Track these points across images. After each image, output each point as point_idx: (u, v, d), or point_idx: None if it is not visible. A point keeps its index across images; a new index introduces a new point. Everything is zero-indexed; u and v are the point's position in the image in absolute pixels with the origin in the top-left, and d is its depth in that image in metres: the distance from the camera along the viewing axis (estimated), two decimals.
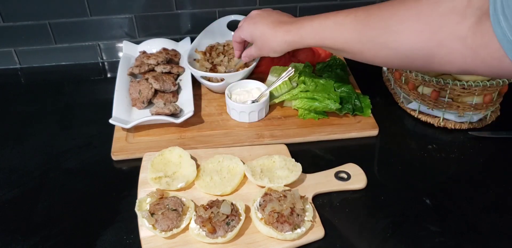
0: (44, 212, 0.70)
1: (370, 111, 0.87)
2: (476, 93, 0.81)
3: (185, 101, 0.90)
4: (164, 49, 1.03)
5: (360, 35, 0.62)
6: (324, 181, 0.73)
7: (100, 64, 1.10)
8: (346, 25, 0.64)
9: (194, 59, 1.00)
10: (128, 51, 1.04)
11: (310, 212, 0.66)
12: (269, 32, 0.75)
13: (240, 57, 0.89)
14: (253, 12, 0.81)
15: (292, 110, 0.90)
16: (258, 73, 0.99)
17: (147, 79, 0.90)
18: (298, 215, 0.64)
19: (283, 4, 1.07)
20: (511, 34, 0.44)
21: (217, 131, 0.85)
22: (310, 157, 0.80)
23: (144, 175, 0.73)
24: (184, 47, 1.06)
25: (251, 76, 0.96)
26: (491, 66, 0.49)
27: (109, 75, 1.07)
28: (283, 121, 0.87)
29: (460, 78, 0.83)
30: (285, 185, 0.70)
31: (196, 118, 0.87)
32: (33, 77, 1.06)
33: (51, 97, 0.97)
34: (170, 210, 0.64)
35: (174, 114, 0.84)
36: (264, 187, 0.69)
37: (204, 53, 1.02)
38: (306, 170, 0.74)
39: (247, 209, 0.67)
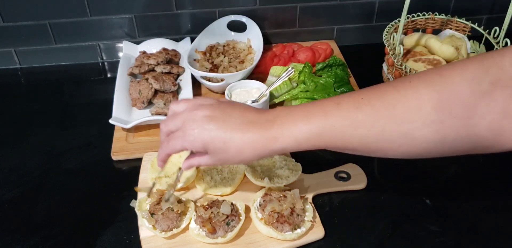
0: (44, 212, 0.70)
1: None
2: None
3: None
4: (164, 49, 1.03)
5: (384, 129, 0.49)
6: (324, 181, 0.73)
7: (100, 64, 1.10)
8: (359, 121, 0.50)
9: (194, 59, 1.00)
10: (128, 51, 1.04)
11: (310, 212, 0.66)
12: (238, 140, 0.52)
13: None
14: (195, 102, 0.55)
15: None
16: (258, 73, 0.99)
17: (147, 79, 0.90)
18: (298, 215, 0.64)
19: (283, 4, 1.07)
20: None
21: None
22: (310, 157, 0.79)
23: (144, 175, 0.73)
24: (184, 47, 1.06)
25: (251, 76, 0.96)
26: None
27: (109, 75, 1.07)
28: None
29: None
30: (285, 185, 0.70)
31: None
32: (33, 77, 1.06)
33: (51, 97, 0.97)
34: (170, 210, 0.64)
35: None
36: (264, 187, 0.70)
37: (204, 53, 1.02)
38: (306, 170, 0.74)
39: (247, 209, 0.67)
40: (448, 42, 0.95)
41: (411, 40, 1.00)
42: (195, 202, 0.68)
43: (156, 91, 0.90)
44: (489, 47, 0.96)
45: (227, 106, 0.56)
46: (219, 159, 0.54)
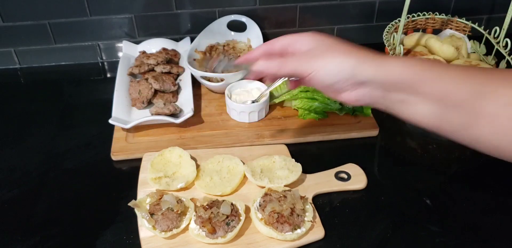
0: (44, 212, 0.70)
1: (370, 111, 0.87)
2: None
3: (185, 101, 0.89)
4: (164, 49, 1.03)
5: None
6: (324, 181, 0.73)
7: (100, 64, 1.10)
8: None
9: (194, 59, 1.00)
10: (128, 51, 1.04)
11: (310, 212, 0.66)
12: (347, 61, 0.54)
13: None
14: (315, 38, 0.59)
15: (292, 110, 0.90)
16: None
17: (147, 79, 0.90)
18: (298, 215, 0.64)
19: (283, 4, 1.07)
20: None
21: (217, 131, 0.85)
22: (310, 157, 0.80)
23: (144, 175, 0.73)
24: (184, 47, 1.06)
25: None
26: None
27: (108, 75, 1.07)
28: (283, 122, 0.87)
29: None
30: (285, 185, 0.70)
31: (196, 119, 0.87)
32: (32, 77, 1.06)
33: (51, 97, 0.97)
34: (170, 210, 0.64)
35: (174, 115, 0.84)
36: (264, 187, 0.69)
37: (204, 53, 1.02)
38: (306, 170, 0.74)
39: (247, 209, 0.67)
40: (449, 42, 0.95)
41: (411, 40, 1.00)
42: (195, 202, 0.68)
43: (155, 91, 0.90)
44: (489, 47, 0.96)
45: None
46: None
